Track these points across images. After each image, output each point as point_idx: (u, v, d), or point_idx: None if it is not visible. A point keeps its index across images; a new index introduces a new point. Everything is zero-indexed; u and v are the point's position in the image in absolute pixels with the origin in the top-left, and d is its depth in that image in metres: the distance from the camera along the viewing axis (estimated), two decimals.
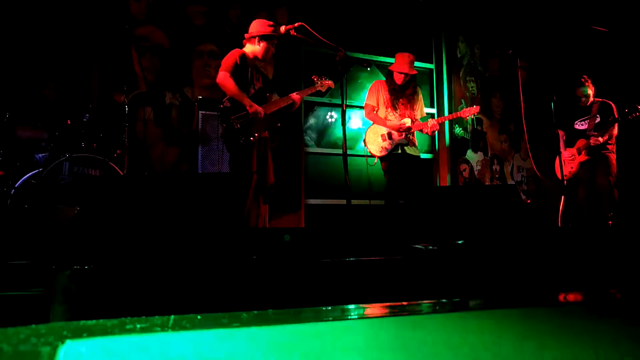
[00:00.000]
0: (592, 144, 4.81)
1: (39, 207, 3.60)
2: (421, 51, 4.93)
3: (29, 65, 4.41)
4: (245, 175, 2.76)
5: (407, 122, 4.35)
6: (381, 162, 4.40)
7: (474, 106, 4.45)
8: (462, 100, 6.55)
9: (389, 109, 4.42)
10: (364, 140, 4.47)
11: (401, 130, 4.31)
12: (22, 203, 3.67)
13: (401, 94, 4.46)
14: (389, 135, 4.33)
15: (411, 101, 4.49)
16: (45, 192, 3.65)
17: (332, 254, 2.13)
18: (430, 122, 4.32)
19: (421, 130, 4.36)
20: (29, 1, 4.51)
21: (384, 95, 4.45)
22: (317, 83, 3.99)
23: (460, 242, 2.53)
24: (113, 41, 4.76)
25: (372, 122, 4.44)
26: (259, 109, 3.62)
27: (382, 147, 4.33)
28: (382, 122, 4.37)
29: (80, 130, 3.99)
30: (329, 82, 4.00)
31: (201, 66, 5.25)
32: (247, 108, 3.60)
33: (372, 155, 4.40)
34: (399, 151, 4.33)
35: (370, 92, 4.50)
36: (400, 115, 4.40)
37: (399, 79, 4.38)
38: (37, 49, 4.47)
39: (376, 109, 4.44)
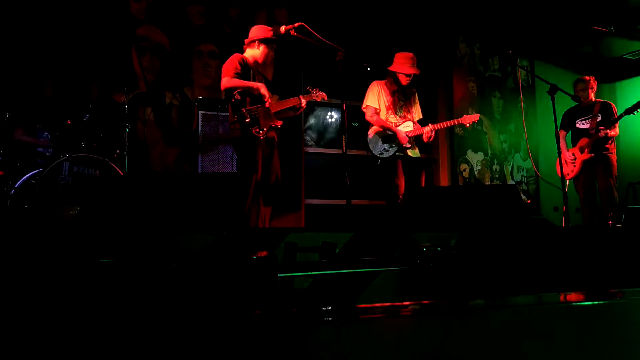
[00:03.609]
0: (601, 136, 4.76)
1: (39, 207, 3.60)
2: (421, 51, 4.95)
3: (29, 66, 4.41)
4: (246, 175, 2.77)
5: (410, 126, 4.32)
6: (383, 164, 4.33)
7: (475, 114, 4.44)
8: (463, 102, 6.55)
9: (390, 112, 4.35)
10: (367, 142, 4.40)
11: (408, 136, 4.28)
12: (22, 203, 3.67)
13: (402, 95, 4.40)
14: (392, 137, 4.30)
15: (411, 103, 4.45)
16: (45, 192, 3.64)
17: (332, 255, 2.12)
18: (427, 129, 4.29)
19: (420, 135, 4.32)
20: (29, 1, 4.51)
21: (385, 97, 4.36)
22: (313, 93, 4.08)
23: (459, 242, 2.53)
24: (113, 41, 4.75)
25: (375, 124, 4.35)
26: (268, 92, 3.72)
27: (384, 149, 4.30)
28: (387, 124, 4.31)
29: (80, 130, 3.99)
30: (323, 94, 4.10)
31: (201, 66, 5.25)
32: (260, 89, 3.70)
33: (375, 157, 4.34)
34: (402, 153, 4.30)
35: (370, 93, 4.39)
36: (401, 117, 4.36)
37: (404, 80, 4.30)
38: (37, 49, 4.47)
39: (378, 110, 4.38)
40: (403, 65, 4.28)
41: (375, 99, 4.36)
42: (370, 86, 4.43)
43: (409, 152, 4.32)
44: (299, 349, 1.00)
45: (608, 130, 4.75)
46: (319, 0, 5.68)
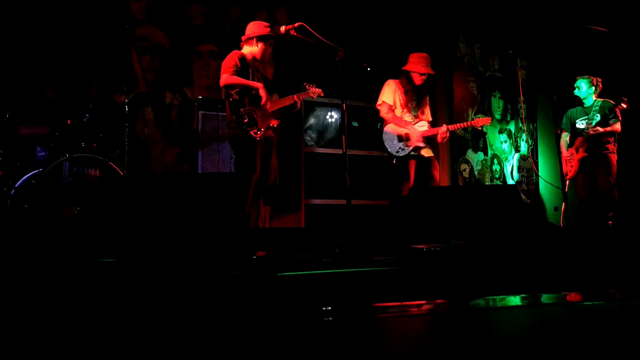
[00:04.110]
0: (590, 134, 4.77)
1: (39, 207, 3.60)
2: (421, 51, 4.95)
3: (30, 66, 4.40)
4: (245, 175, 2.78)
5: (425, 126, 4.32)
6: (399, 163, 4.31)
7: (487, 117, 4.45)
8: (463, 102, 6.55)
9: (405, 110, 4.34)
10: (382, 140, 4.37)
11: (424, 136, 4.28)
12: (22, 203, 3.67)
13: (415, 95, 4.38)
14: (407, 136, 4.29)
15: (424, 103, 4.44)
16: (45, 192, 3.64)
17: (333, 255, 2.13)
18: (441, 129, 4.28)
19: (434, 135, 4.32)
20: (30, 1, 4.51)
21: (400, 96, 4.34)
22: (309, 89, 4.08)
23: (460, 242, 2.53)
24: (113, 41, 4.75)
25: (390, 121, 4.31)
26: (265, 93, 3.71)
27: (400, 148, 4.28)
28: (402, 122, 4.29)
29: (80, 130, 3.99)
30: (318, 90, 4.11)
31: (201, 66, 5.25)
32: (259, 89, 3.70)
33: (391, 156, 4.32)
34: (416, 153, 4.29)
35: (386, 90, 4.37)
36: (414, 117, 4.36)
37: (419, 79, 4.29)
38: (37, 50, 4.46)
39: (394, 107, 4.33)
40: (417, 65, 4.28)
41: (392, 96, 4.34)
42: (386, 83, 4.42)
43: (423, 152, 4.32)
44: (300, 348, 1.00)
45: (598, 128, 4.75)
46: (319, 0, 5.68)
